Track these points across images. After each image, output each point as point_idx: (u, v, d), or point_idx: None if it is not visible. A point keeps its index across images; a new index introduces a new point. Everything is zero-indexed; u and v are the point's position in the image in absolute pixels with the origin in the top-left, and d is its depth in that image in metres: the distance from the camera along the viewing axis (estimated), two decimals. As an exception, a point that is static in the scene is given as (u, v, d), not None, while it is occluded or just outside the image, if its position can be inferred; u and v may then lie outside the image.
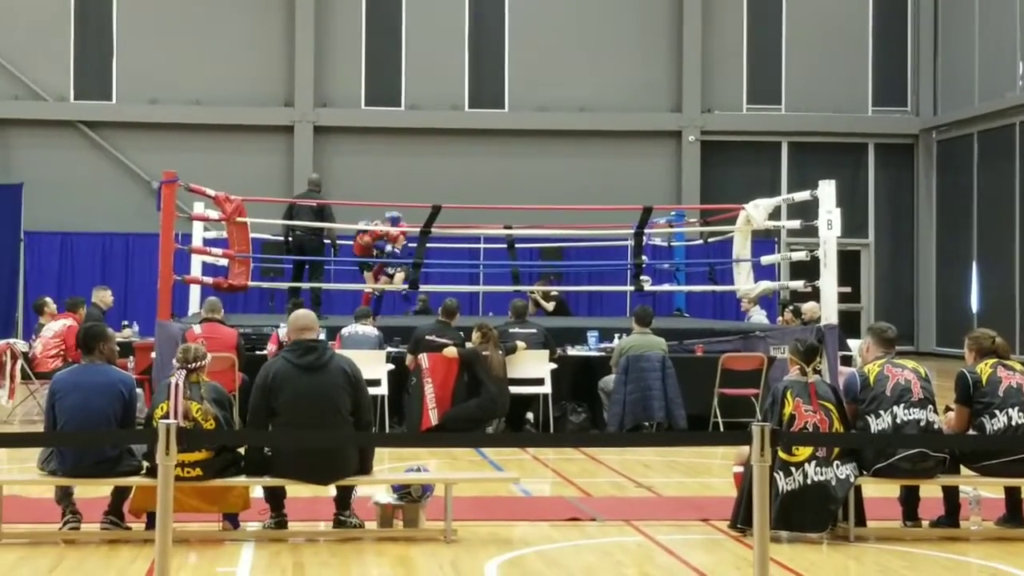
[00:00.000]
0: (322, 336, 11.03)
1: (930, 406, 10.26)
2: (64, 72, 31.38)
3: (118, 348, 11.04)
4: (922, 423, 10.14)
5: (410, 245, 20.42)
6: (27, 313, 27.86)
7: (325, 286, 20.41)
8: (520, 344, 16.93)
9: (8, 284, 30.38)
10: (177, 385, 9.73)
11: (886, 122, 33.35)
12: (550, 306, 24.02)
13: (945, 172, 32.92)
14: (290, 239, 19.93)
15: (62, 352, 17.24)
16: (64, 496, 10.00)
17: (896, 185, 33.54)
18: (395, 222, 20.77)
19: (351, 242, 21.63)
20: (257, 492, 10.36)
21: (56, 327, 17.62)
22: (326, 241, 20.17)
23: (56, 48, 31.35)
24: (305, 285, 19.81)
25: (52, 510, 10.09)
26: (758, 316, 21.99)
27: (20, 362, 17.30)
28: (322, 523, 10.55)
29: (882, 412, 10.14)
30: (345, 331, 16.83)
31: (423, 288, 20.49)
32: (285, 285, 21.32)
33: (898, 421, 10.10)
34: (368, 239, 21.03)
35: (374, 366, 15.81)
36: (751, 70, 33.05)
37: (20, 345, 17.84)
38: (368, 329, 17.05)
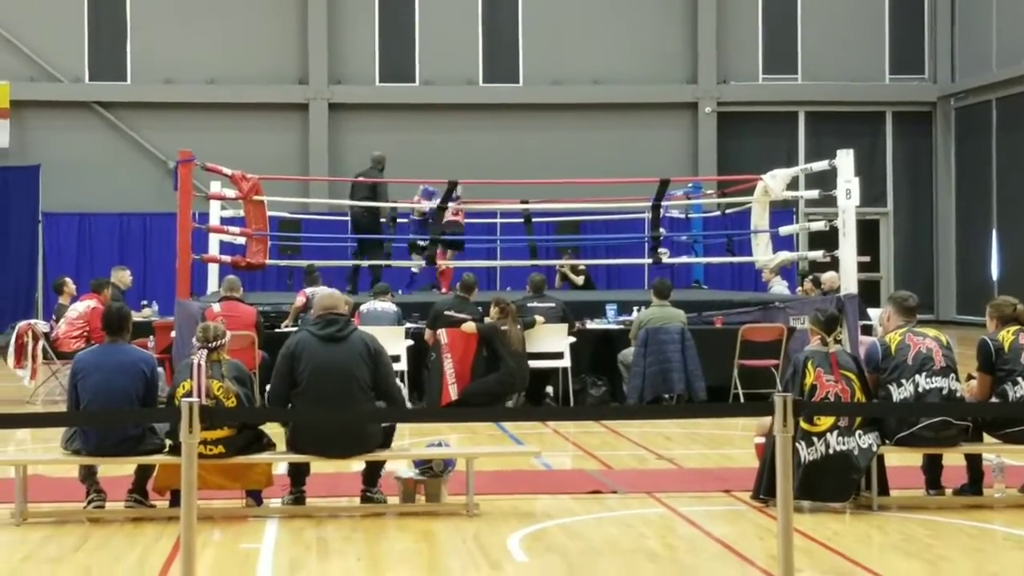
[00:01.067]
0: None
1: (952, 374, 10.24)
2: (79, 53, 31.40)
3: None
4: (944, 391, 10.12)
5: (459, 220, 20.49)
6: (47, 294, 27.94)
7: (342, 263, 20.39)
8: (539, 318, 16.93)
9: (27, 265, 30.47)
10: (199, 364, 9.76)
11: (904, 90, 33.21)
12: (579, 280, 24.00)
13: (963, 140, 32.81)
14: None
15: (86, 333, 17.25)
16: (88, 475, 10.04)
17: (914, 153, 33.43)
18: (428, 195, 20.69)
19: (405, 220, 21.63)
20: (280, 468, 10.39)
21: (81, 308, 17.62)
22: (382, 219, 20.24)
23: (70, 29, 31.36)
24: (324, 263, 19.83)
25: (76, 489, 10.13)
26: (779, 287, 21.97)
27: (41, 342, 17.34)
28: (344, 499, 10.58)
29: (904, 381, 10.12)
30: (364, 307, 16.84)
31: (441, 263, 20.49)
32: (303, 263, 21.33)
33: (920, 390, 10.08)
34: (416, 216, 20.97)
35: (394, 342, 15.80)
36: (767, 40, 32.92)
37: (41, 326, 17.89)
38: (387, 305, 17.06)
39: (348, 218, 20.85)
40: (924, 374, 10.12)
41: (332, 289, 10.83)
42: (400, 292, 19.76)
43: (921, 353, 10.19)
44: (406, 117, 31.77)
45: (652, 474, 11.99)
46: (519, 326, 16.51)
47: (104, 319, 10.43)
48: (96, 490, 9.98)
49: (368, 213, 19.73)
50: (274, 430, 10.29)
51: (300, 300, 17.21)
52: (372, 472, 10.30)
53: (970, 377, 10.65)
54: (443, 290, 20.57)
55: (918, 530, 9.43)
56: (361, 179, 20.16)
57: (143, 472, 9.98)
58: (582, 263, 24.20)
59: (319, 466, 10.47)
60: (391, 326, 16.51)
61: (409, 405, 16.27)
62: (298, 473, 10.20)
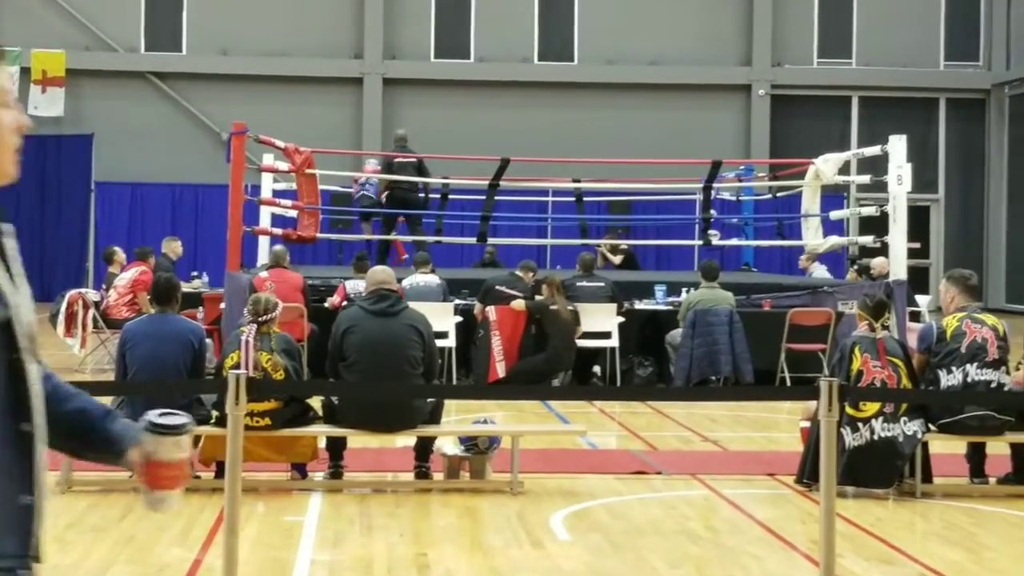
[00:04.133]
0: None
1: (1003, 367, 10.19)
2: (135, 23, 31.54)
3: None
4: (993, 385, 10.07)
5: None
6: (97, 263, 28.15)
7: (394, 238, 20.45)
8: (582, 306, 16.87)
9: (79, 234, 30.71)
10: (249, 336, 9.82)
11: (958, 77, 32.99)
12: (617, 259, 23.99)
13: (1017, 127, 32.55)
14: (385, 194, 20.05)
15: (135, 301, 17.48)
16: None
17: (967, 140, 33.21)
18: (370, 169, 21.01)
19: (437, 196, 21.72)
20: (320, 442, 10.45)
21: (128, 276, 17.80)
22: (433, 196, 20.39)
23: (127, -1, 31.54)
24: (377, 238, 19.88)
25: (123, 458, 10.21)
26: (819, 272, 21.87)
27: (92, 311, 17.48)
28: (389, 474, 10.64)
29: (954, 368, 10.07)
30: (406, 283, 16.61)
31: (491, 241, 20.52)
32: (353, 237, 21.42)
33: (969, 380, 10.03)
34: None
35: (442, 318, 15.77)
36: (822, 23, 32.75)
37: (91, 294, 18.03)
38: (430, 278, 16.97)
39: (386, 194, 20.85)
40: (976, 364, 10.07)
41: (383, 266, 10.86)
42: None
43: (976, 342, 10.13)
44: (460, 93, 31.78)
45: (697, 456, 12.00)
46: (570, 306, 16.48)
47: (153, 289, 10.51)
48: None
49: (416, 190, 19.79)
50: (314, 403, 10.34)
51: (336, 300, 16.79)
52: (424, 447, 10.35)
53: (1019, 366, 10.60)
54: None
55: (961, 518, 9.41)
56: (413, 156, 20.14)
57: (189, 442, 10.04)
58: (624, 243, 24.17)
59: (364, 441, 10.52)
60: (438, 302, 16.44)
61: (455, 382, 16.38)
62: (336, 447, 10.26)
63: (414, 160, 19.81)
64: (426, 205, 20.69)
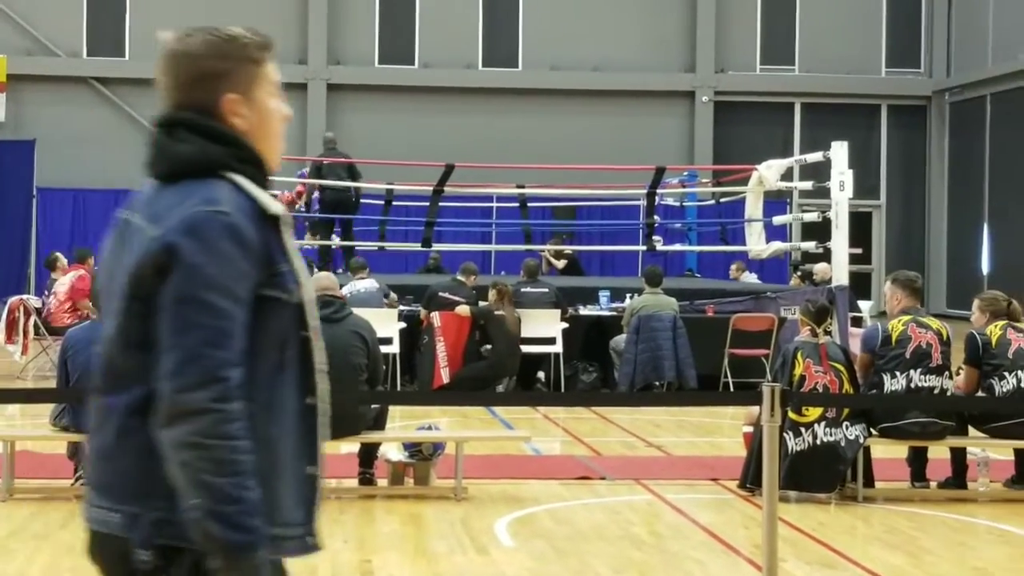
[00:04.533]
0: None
1: (947, 372, 10.27)
2: (77, 28, 31.35)
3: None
4: (936, 391, 10.14)
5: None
6: (39, 269, 27.94)
7: (338, 244, 20.42)
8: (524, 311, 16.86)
9: (21, 240, 30.47)
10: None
11: (899, 83, 33.26)
12: (561, 264, 24.03)
13: (958, 134, 32.84)
14: (317, 197, 20.06)
15: (76, 308, 17.32)
16: (76, 452, 10.04)
17: (908, 147, 33.47)
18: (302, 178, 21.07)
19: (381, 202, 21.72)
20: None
21: (68, 280, 17.65)
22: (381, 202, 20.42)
23: (69, 3, 31.32)
24: (309, 243, 19.84)
25: (64, 465, 10.15)
26: (748, 279, 21.97)
27: (33, 318, 17.35)
28: (332, 480, 10.61)
29: (898, 373, 10.14)
30: (346, 290, 16.18)
31: (436, 247, 20.50)
32: (298, 243, 21.32)
33: (912, 385, 10.10)
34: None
35: (386, 324, 15.70)
36: (765, 30, 32.95)
37: (32, 301, 17.89)
38: (368, 283, 16.81)
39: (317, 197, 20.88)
40: (919, 370, 10.14)
41: (327, 272, 10.84)
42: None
43: (920, 348, 10.19)
44: (404, 99, 31.77)
45: (640, 461, 12.03)
46: (516, 312, 16.49)
47: (93, 296, 10.43)
48: (84, 467, 9.97)
49: (349, 193, 19.81)
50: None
51: None
52: (368, 454, 10.32)
53: (958, 371, 10.68)
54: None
55: (902, 522, 9.48)
56: (350, 160, 20.19)
57: (131, 449, 9.97)
58: (568, 248, 24.23)
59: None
60: (380, 308, 16.31)
61: (399, 388, 16.36)
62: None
63: (344, 163, 19.82)
64: (357, 206, 20.62)
